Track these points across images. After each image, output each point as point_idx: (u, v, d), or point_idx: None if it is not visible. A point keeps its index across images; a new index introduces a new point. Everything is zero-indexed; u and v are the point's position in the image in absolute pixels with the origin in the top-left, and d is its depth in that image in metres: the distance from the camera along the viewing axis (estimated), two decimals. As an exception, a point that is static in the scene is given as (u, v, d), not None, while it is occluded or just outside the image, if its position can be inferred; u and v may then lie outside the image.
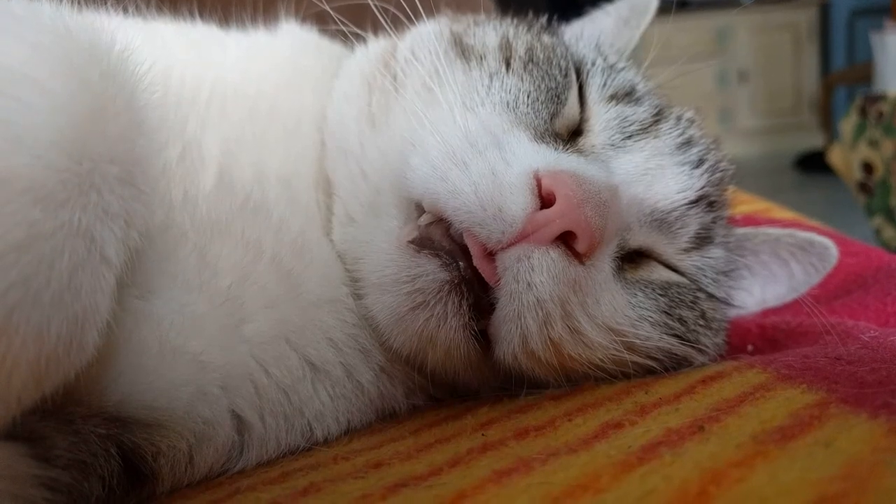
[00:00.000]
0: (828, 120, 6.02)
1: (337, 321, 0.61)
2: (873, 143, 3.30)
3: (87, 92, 0.41)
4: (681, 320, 0.64)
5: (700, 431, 0.47)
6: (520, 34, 0.72)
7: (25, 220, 0.36)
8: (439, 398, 0.68)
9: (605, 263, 0.59)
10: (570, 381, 0.62)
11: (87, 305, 0.40)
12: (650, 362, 0.63)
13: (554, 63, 0.68)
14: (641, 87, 0.72)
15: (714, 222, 0.69)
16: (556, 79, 0.66)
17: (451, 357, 0.57)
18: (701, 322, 0.66)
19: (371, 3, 0.68)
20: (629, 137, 0.65)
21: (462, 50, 0.68)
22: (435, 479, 0.47)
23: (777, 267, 0.81)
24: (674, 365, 0.65)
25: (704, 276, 0.67)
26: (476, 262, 0.53)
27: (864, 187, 3.35)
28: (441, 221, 0.55)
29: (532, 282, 0.53)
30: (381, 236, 0.59)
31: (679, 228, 0.65)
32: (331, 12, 0.70)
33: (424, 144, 0.58)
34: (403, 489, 0.45)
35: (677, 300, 0.64)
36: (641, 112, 0.67)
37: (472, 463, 0.48)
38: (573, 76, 0.68)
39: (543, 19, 0.81)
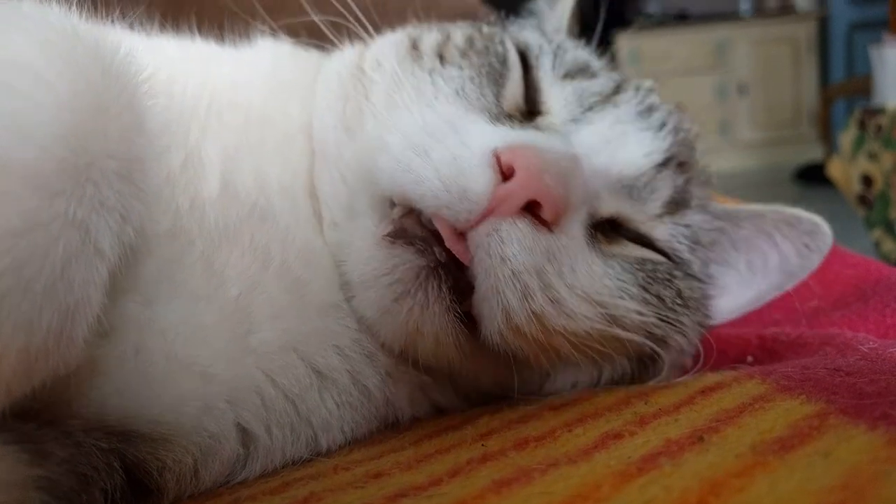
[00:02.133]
0: (827, 132, 6.04)
1: (341, 327, 0.62)
2: (872, 156, 3.31)
3: (90, 89, 0.43)
4: (658, 297, 0.64)
5: (699, 442, 0.47)
6: (461, 27, 0.75)
7: (22, 208, 0.37)
8: (443, 407, 0.68)
9: (576, 231, 0.59)
10: (561, 360, 0.61)
11: (79, 298, 0.40)
12: (634, 337, 0.62)
13: (491, 50, 0.70)
14: (596, 64, 0.74)
15: (688, 184, 0.69)
16: (496, 62, 0.68)
17: (440, 344, 0.58)
18: (678, 301, 0.66)
19: (346, 12, 0.70)
20: (589, 109, 0.66)
21: (416, 54, 0.70)
22: (435, 489, 0.47)
23: (764, 243, 0.78)
24: (653, 350, 0.64)
25: (679, 242, 0.67)
26: (448, 243, 0.54)
27: (863, 200, 3.36)
28: (412, 212, 0.57)
29: (504, 254, 0.53)
30: (359, 235, 0.60)
31: (650, 193, 0.66)
32: (318, 22, 0.73)
33: (389, 143, 0.59)
34: (403, 499, 0.45)
35: (653, 276, 0.64)
36: (600, 84, 0.69)
37: (472, 473, 0.48)
38: (515, 57, 0.69)
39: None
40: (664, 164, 0.66)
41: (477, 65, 0.67)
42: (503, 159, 0.54)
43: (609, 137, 0.64)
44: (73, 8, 0.49)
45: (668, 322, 0.64)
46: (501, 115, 0.63)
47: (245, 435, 0.57)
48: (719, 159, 5.80)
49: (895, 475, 0.38)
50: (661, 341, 0.65)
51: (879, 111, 3.35)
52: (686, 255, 0.67)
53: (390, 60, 0.68)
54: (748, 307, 0.81)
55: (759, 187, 5.82)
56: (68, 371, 0.42)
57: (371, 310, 0.59)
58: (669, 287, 0.65)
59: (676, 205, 0.67)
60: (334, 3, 0.69)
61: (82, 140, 0.41)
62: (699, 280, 0.70)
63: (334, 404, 0.61)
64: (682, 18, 7.30)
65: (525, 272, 0.54)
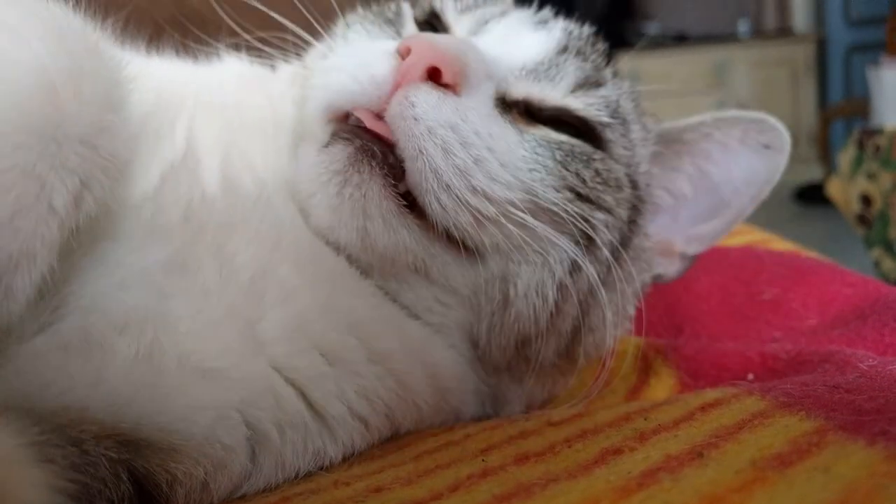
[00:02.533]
0: (826, 153, 6.07)
1: (356, 300, 0.63)
2: (871, 176, 3.32)
3: (67, 56, 0.46)
4: (577, 175, 0.65)
5: (699, 458, 0.47)
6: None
7: None
8: (445, 373, 0.68)
9: (484, 99, 0.63)
10: (506, 242, 0.62)
11: (24, 248, 0.42)
12: (556, 218, 0.63)
13: (385, 10, 0.80)
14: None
15: (598, 70, 0.73)
16: (391, 15, 0.78)
17: (391, 228, 0.60)
18: (598, 179, 0.67)
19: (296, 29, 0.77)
20: (485, 24, 0.74)
21: (335, 34, 0.77)
22: (435, 503, 0.47)
23: (712, 146, 0.78)
24: (583, 231, 0.64)
25: (597, 109, 0.70)
26: (369, 124, 0.59)
27: (862, 219, 3.37)
28: (340, 120, 0.62)
29: (416, 115, 0.58)
30: (302, 162, 0.64)
31: (557, 75, 0.69)
32: (250, 40, 0.79)
33: (314, 85, 0.66)
34: (404, 513, 0.46)
35: (571, 155, 0.66)
36: (494, 8, 0.77)
37: (473, 488, 0.48)
38: (408, 9, 0.78)
39: None
40: (563, 51, 0.71)
41: (373, 21, 0.77)
42: (401, 47, 0.61)
43: (505, 36, 0.72)
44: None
45: (590, 201, 0.66)
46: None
47: (254, 445, 0.56)
48: (719, 179, 5.78)
49: (893, 490, 0.38)
50: (586, 221, 0.65)
51: (878, 132, 3.37)
52: (605, 118, 0.70)
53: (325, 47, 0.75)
54: (727, 224, 0.81)
55: (758, 207, 5.81)
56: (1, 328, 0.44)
57: (324, 217, 0.62)
58: (588, 167, 0.67)
59: (587, 86, 0.71)
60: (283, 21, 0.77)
61: (52, 100, 0.43)
62: (622, 163, 0.71)
63: (353, 393, 0.61)
64: (681, 40, 7.37)
65: (439, 127, 0.58)
